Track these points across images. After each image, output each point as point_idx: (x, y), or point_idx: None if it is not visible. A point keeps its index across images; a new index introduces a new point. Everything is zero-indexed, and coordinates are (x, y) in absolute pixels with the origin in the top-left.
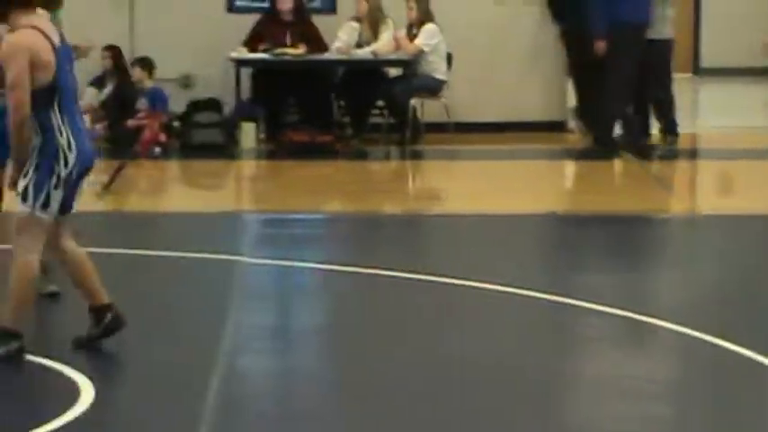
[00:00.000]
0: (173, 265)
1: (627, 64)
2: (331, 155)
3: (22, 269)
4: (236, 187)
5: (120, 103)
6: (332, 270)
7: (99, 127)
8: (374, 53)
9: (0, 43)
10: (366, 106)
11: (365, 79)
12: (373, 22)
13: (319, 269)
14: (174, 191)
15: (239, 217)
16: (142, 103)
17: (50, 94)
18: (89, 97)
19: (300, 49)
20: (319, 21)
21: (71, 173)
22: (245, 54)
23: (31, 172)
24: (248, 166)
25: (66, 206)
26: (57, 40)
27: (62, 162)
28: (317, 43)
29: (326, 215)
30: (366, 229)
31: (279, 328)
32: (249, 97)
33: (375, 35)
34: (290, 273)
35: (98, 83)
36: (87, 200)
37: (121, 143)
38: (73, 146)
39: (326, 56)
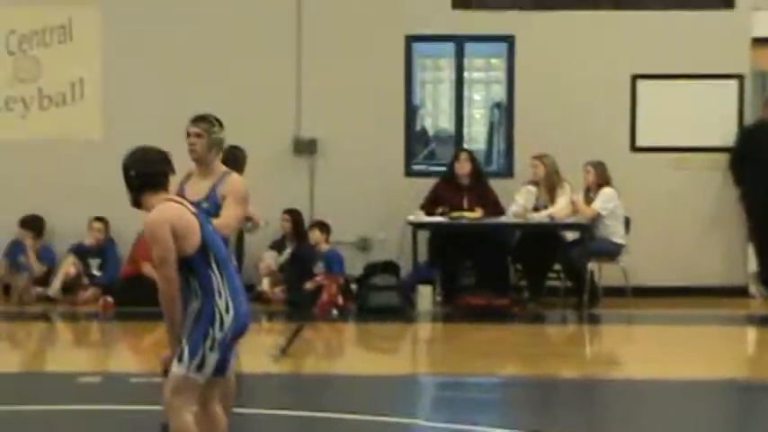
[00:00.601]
0: (348, 428)
1: None
2: (507, 318)
3: (180, 429)
4: (413, 350)
5: (298, 266)
6: None
7: (277, 290)
8: (551, 217)
9: None
10: (543, 270)
11: (542, 243)
12: (550, 185)
13: None
14: (350, 353)
15: (415, 380)
16: (319, 267)
17: (204, 256)
18: (268, 260)
19: (477, 213)
20: (496, 184)
21: (226, 335)
22: (422, 217)
23: (185, 338)
24: (425, 329)
25: (220, 368)
26: (191, 206)
27: (217, 325)
28: (494, 207)
29: (503, 379)
30: (542, 394)
31: None
32: (426, 260)
33: (552, 199)
34: None
35: (278, 246)
36: (264, 362)
37: (299, 306)
38: (230, 308)
39: (503, 219)
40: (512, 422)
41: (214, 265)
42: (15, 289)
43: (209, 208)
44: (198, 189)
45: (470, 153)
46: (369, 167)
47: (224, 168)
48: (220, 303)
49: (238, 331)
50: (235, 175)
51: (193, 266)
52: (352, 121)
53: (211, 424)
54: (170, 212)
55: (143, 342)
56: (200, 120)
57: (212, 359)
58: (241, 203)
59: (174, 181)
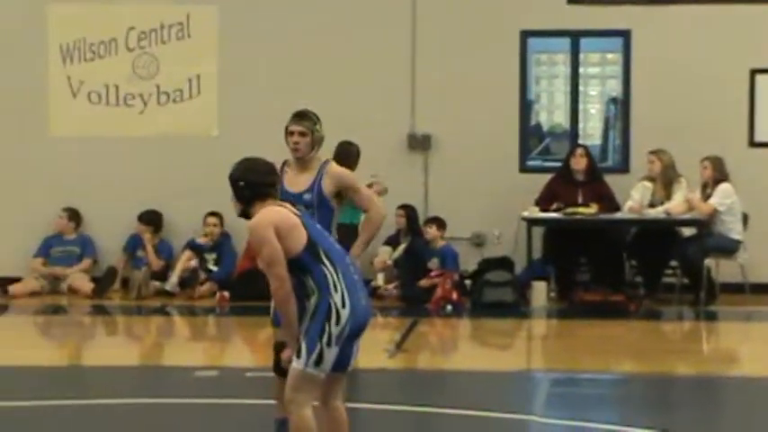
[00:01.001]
0: (462, 424)
1: None
2: (623, 315)
3: (300, 424)
4: (527, 346)
5: (412, 262)
6: None
7: (392, 286)
8: (667, 212)
9: None
10: (659, 266)
11: (658, 239)
12: (666, 181)
13: (610, 430)
14: (464, 349)
15: (530, 376)
16: (434, 262)
17: (313, 254)
18: (383, 255)
19: (592, 209)
20: (612, 180)
21: (344, 330)
22: (537, 213)
23: (303, 334)
24: (539, 325)
25: (340, 363)
26: (292, 208)
27: (333, 320)
28: (610, 202)
29: (617, 376)
30: (658, 391)
31: None
32: (540, 256)
33: (668, 195)
34: None
35: (392, 241)
36: (379, 357)
37: (414, 301)
38: (347, 303)
39: (618, 215)
40: (626, 419)
41: (326, 261)
42: (134, 283)
43: (312, 200)
44: (298, 181)
45: (586, 148)
46: (483, 163)
47: (322, 158)
48: (336, 298)
49: (357, 326)
50: (333, 163)
51: (304, 265)
52: (467, 117)
53: (333, 419)
54: (272, 215)
55: (259, 337)
56: (302, 117)
57: (330, 354)
58: (360, 183)
59: None
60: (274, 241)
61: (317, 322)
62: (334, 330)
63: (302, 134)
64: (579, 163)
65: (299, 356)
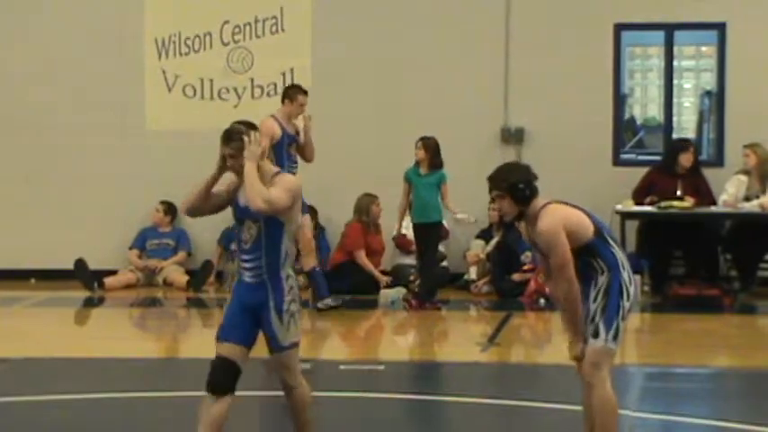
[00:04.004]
0: (554, 417)
1: None
2: (717, 309)
3: (607, 400)
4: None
5: (505, 255)
6: (718, 427)
7: (484, 279)
8: (762, 206)
9: None
10: (754, 260)
11: (753, 232)
12: (761, 174)
13: (705, 425)
14: (557, 343)
15: (624, 370)
16: (527, 256)
17: (601, 239)
18: (476, 249)
19: (688, 202)
20: (706, 174)
21: (632, 305)
22: (631, 207)
23: (598, 315)
24: (633, 319)
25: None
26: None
27: (625, 295)
28: (706, 196)
29: (712, 370)
30: (753, 386)
31: None
32: (634, 250)
33: (763, 188)
34: (674, 428)
35: (485, 235)
36: (473, 351)
37: (507, 295)
38: (632, 280)
39: (713, 209)
40: (721, 414)
41: (612, 243)
42: (228, 276)
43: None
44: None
45: (694, 144)
46: (576, 157)
47: (273, 170)
48: (624, 276)
49: (635, 301)
50: (286, 174)
51: (593, 248)
52: (560, 110)
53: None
54: (559, 214)
55: (352, 329)
56: (230, 139)
57: (622, 327)
58: (288, 191)
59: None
60: (566, 245)
61: (612, 299)
62: (627, 305)
63: (233, 156)
64: (687, 159)
65: (596, 336)
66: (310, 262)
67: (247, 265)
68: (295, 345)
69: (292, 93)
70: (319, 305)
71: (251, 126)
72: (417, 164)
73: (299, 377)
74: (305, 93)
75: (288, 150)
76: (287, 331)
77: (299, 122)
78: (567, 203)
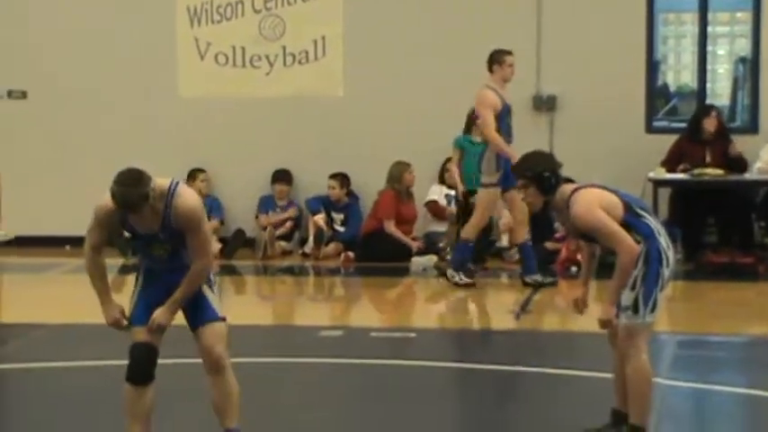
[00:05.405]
0: (586, 385)
1: None
2: (751, 276)
3: (642, 371)
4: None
5: (537, 224)
6: (752, 395)
7: (513, 250)
8: None
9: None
10: None
11: None
12: None
13: (738, 393)
14: (590, 310)
15: (656, 338)
16: (559, 224)
17: (632, 212)
18: (508, 217)
19: (720, 170)
20: (740, 141)
21: (670, 273)
22: (664, 174)
23: (638, 283)
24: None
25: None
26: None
27: (665, 263)
28: (738, 163)
29: (746, 339)
30: None
31: None
32: (667, 217)
33: None
34: (708, 396)
35: None
36: (505, 319)
37: (539, 263)
38: (670, 245)
39: (747, 176)
40: (754, 382)
41: (643, 213)
42: (260, 243)
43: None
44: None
45: (718, 110)
46: (609, 124)
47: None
48: (662, 242)
49: (673, 269)
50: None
51: (627, 225)
52: (593, 78)
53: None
54: (591, 196)
55: (384, 297)
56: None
57: (660, 298)
58: (204, 233)
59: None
60: (609, 218)
61: (652, 267)
62: (666, 273)
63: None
64: (711, 124)
65: (635, 311)
66: (522, 234)
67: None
68: None
69: (498, 56)
70: (527, 279)
71: None
72: (467, 131)
73: None
74: (509, 52)
75: (507, 122)
76: None
77: None
78: (593, 185)
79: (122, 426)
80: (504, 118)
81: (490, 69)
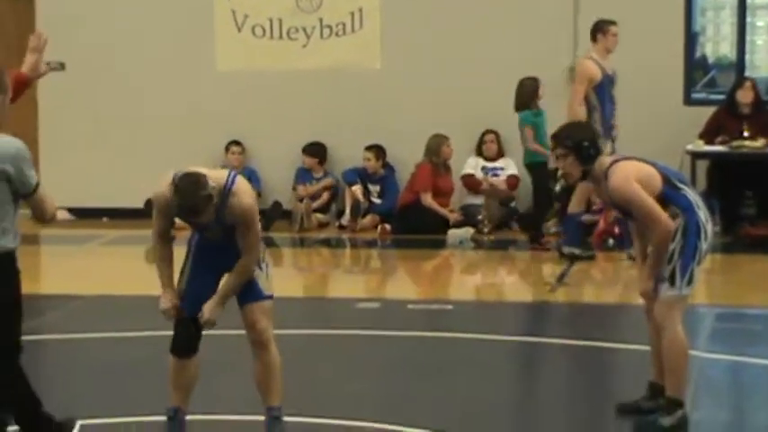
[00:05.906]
0: (621, 357)
1: None
2: None
3: (678, 343)
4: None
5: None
6: None
7: (550, 223)
8: None
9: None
10: None
11: None
12: None
13: None
14: (625, 283)
15: (693, 311)
16: (595, 197)
17: (671, 184)
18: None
19: (759, 142)
20: None
21: (708, 246)
22: (702, 147)
23: (676, 255)
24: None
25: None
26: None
27: (703, 236)
28: None
29: None
30: None
31: (733, 424)
32: (705, 189)
33: None
34: (744, 368)
35: (553, 176)
36: (541, 291)
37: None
38: (708, 218)
39: None
40: None
41: (682, 186)
42: (296, 216)
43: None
44: None
45: (753, 81)
46: (647, 96)
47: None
48: (701, 215)
49: (711, 242)
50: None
51: (666, 198)
52: (630, 49)
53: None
54: (629, 169)
55: (420, 269)
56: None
57: (697, 271)
58: (256, 225)
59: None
60: (644, 192)
61: (690, 239)
62: (704, 246)
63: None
64: (746, 96)
65: (672, 283)
66: (575, 207)
67: None
68: None
69: (602, 25)
70: (564, 250)
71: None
72: (524, 106)
73: None
74: (614, 22)
75: (610, 92)
76: None
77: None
78: (632, 158)
79: (156, 395)
80: (605, 87)
81: (594, 39)
